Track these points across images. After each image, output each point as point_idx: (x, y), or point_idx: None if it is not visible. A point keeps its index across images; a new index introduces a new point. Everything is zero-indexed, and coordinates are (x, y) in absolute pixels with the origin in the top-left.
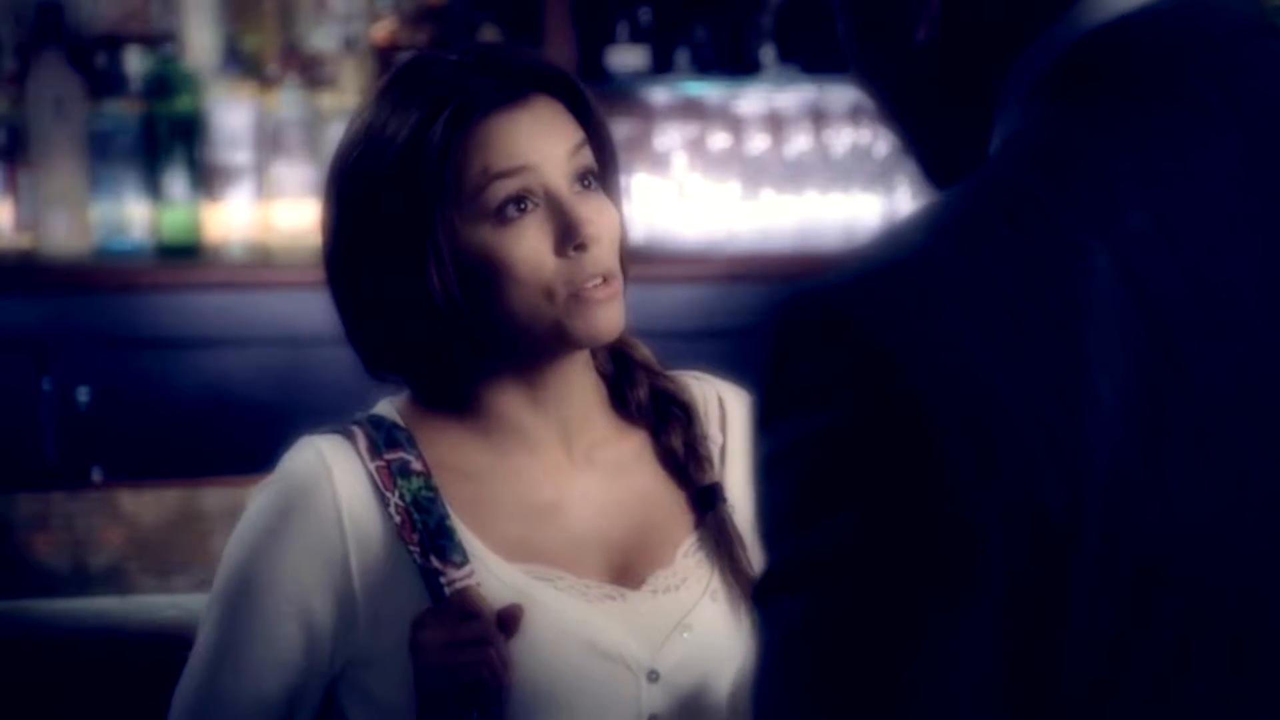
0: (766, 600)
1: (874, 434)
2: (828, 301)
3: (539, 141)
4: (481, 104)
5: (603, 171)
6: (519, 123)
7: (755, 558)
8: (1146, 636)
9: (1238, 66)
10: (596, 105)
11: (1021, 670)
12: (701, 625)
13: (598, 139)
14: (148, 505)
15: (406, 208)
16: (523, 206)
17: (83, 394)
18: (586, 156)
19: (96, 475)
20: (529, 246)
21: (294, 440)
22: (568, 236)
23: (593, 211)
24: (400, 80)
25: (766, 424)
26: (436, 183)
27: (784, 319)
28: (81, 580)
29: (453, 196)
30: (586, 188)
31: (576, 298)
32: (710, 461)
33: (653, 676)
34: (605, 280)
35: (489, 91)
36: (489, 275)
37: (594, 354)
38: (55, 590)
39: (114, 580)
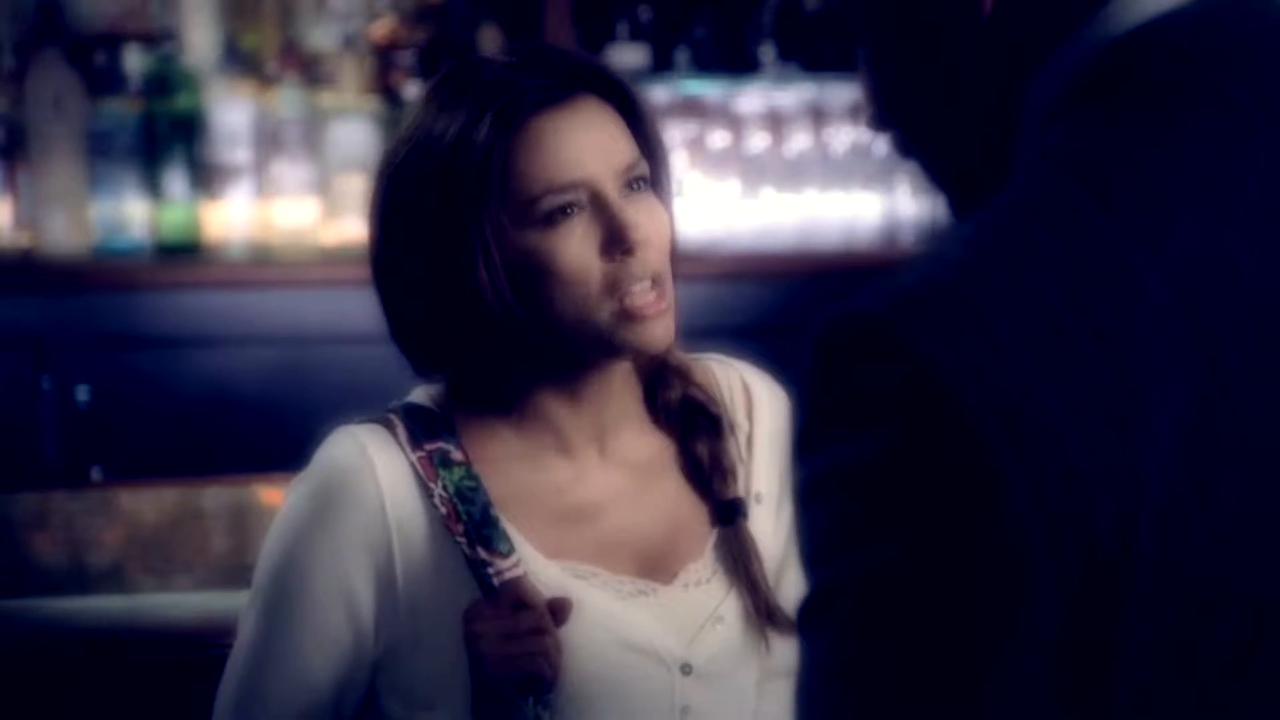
0: (814, 620)
1: (925, 455)
2: (873, 320)
3: (587, 149)
4: (528, 103)
5: (653, 173)
6: (567, 127)
7: (773, 569)
8: (1200, 654)
9: (1272, 69)
10: (647, 108)
11: (1076, 683)
12: (732, 617)
13: (648, 141)
14: (147, 504)
15: (454, 205)
16: (569, 211)
17: (82, 393)
18: (639, 166)
19: (96, 474)
20: (574, 249)
21: (302, 435)
22: (615, 241)
23: (641, 215)
24: (448, 81)
25: (809, 447)
26: (482, 181)
27: (825, 338)
28: (81, 580)
29: (500, 197)
30: (635, 190)
31: (627, 309)
32: (734, 474)
33: (685, 669)
34: (655, 285)
35: (536, 91)
36: (536, 277)
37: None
38: (55, 590)
39: (114, 579)
